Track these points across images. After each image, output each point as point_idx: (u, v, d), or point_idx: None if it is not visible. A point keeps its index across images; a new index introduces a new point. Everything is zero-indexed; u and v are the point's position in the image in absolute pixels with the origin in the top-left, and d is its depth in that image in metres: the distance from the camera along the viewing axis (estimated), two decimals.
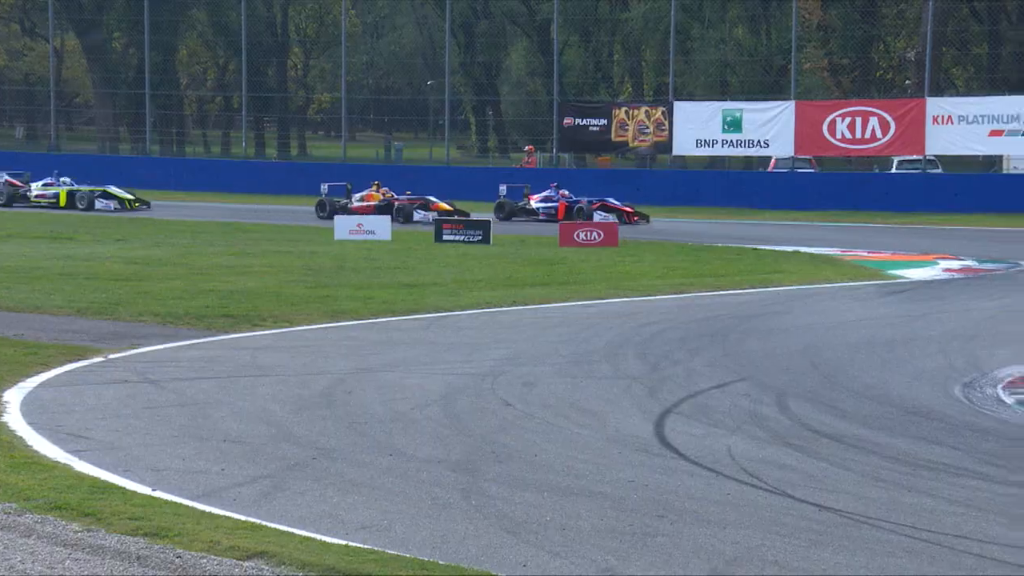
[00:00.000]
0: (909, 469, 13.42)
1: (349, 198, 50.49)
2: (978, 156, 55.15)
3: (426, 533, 11.27)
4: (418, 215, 45.88)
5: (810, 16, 62.46)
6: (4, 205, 54.48)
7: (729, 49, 64.64)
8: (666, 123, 56.25)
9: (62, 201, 53.64)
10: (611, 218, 41.42)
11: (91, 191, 53.55)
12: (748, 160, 58.01)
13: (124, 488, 12.38)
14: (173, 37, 73.27)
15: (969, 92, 57.47)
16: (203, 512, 11.70)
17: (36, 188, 55.17)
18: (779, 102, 54.93)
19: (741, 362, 19.74)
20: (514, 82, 75.94)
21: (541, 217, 47.20)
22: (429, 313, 25.05)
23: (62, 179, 54.98)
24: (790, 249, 37.65)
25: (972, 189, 49.46)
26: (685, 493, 12.59)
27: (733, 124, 55.07)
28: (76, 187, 54.25)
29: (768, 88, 58.34)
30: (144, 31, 64.81)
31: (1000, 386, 17.79)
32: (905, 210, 44.72)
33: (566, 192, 47.50)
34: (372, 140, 72.63)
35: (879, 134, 52.62)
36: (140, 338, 21.40)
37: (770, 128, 54.28)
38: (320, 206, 50.06)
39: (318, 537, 11.04)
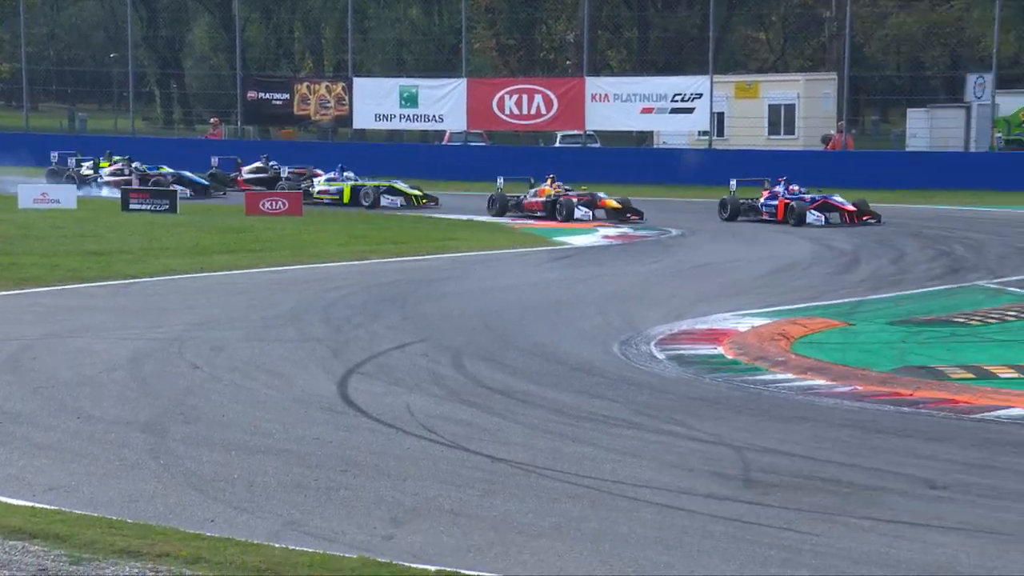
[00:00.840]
0: (573, 421, 13.78)
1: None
2: (632, 131, 56.57)
3: (114, 493, 11.12)
4: (579, 211, 36.70)
5: (476, 2, 63.16)
6: None
7: (404, 29, 64.96)
8: (346, 98, 56.25)
9: (345, 198, 42.86)
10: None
11: (376, 186, 42.85)
12: (424, 133, 58.32)
13: None
14: None
15: (623, 72, 58.87)
16: None
17: (319, 184, 44.01)
18: (452, 79, 55.45)
19: (419, 324, 19.92)
20: (198, 56, 74.90)
21: (764, 216, 36.56)
22: (117, 280, 24.56)
23: (345, 173, 44.12)
24: (464, 218, 38.06)
25: (626, 161, 50.73)
26: (367, 448, 12.68)
27: (410, 100, 55.43)
28: (360, 182, 43.51)
29: (442, 66, 58.83)
30: None
31: (652, 343, 18.36)
32: (567, 181, 45.72)
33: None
34: (55, 111, 70.33)
35: (543, 110, 53.66)
36: None
37: (444, 104, 54.75)
38: (491, 202, 40.48)
39: (3, 500, 10.78)
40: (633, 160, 50.27)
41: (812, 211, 35.01)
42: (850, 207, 35.33)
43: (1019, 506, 10.76)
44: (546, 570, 9.13)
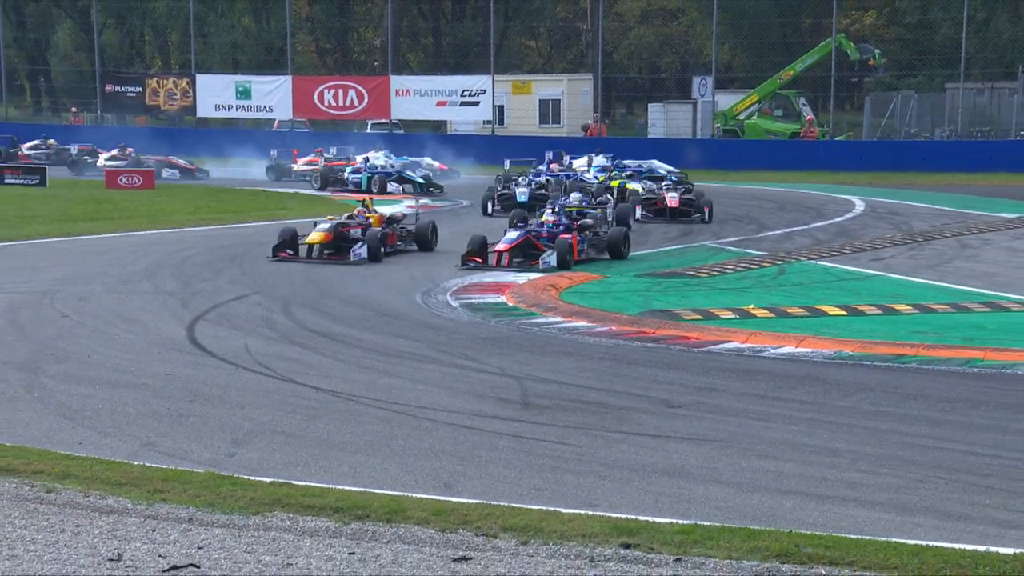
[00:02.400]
0: (383, 358, 13.73)
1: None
2: (430, 120, 56.39)
3: None
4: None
5: (300, 10, 62.49)
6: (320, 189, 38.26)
7: (239, 33, 63.93)
8: (191, 91, 55.66)
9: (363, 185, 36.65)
10: None
11: (387, 174, 37.07)
12: (257, 121, 57.34)
13: None
14: None
15: (421, 72, 58.76)
16: None
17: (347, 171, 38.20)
18: (279, 76, 54.83)
19: (255, 279, 19.63)
20: (62, 55, 73.00)
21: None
22: None
23: (375, 155, 38.80)
24: (291, 191, 37.53)
25: (424, 145, 50.46)
26: (212, 382, 12.48)
27: (244, 93, 54.94)
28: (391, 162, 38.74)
29: (271, 65, 57.81)
30: None
31: (448, 294, 18.36)
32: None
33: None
34: None
35: (356, 103, 53.53)
36: None
37: (273, 96, 54.33)
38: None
39: None
40: (430, 143, 50.04)
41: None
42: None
43: (736, 419, 11.03)
44: (361, 480, 9.10)
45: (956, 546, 7.66)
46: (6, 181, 37.68)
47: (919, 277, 20.03)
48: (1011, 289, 18.54)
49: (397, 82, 53.85)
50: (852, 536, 7.80)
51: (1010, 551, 7.50)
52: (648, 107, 55.01)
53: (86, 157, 44.33)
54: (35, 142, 48.13)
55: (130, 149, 43.54)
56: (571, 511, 8.29)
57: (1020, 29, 50.67)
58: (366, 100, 53.48)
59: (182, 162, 43.29)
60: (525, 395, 12.00)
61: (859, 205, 32.16)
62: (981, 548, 7.59)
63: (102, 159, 43.14)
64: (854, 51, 48.05)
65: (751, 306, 17.00)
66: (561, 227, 21.93)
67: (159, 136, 51.57)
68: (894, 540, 7.73)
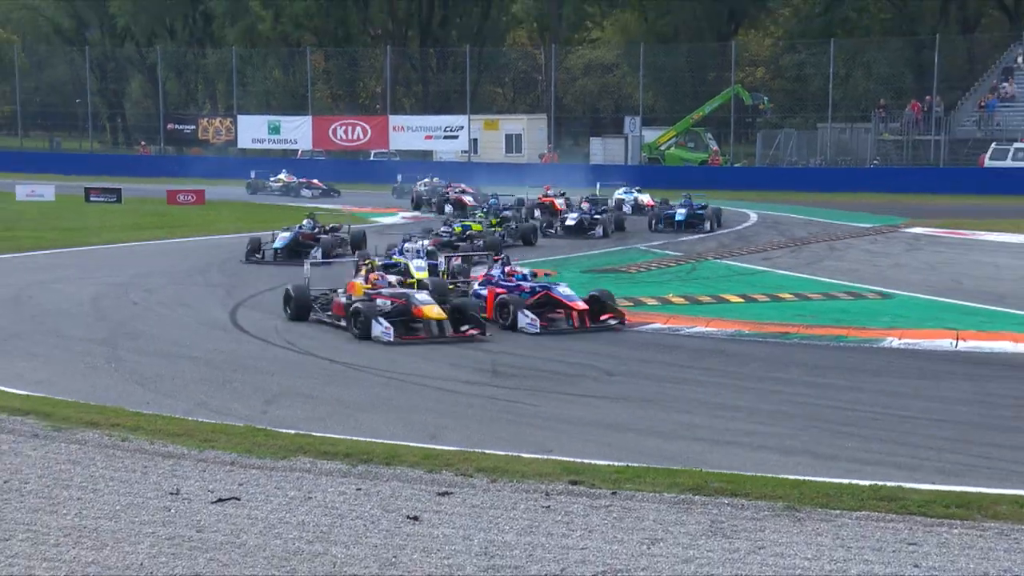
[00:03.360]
0: None
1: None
2: (419, 151, 56.07)
3: (81, 385, 10.68)
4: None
5: (318, 65, 62.36)
6: None
7: (271, 83, 63.56)
8: (233, 128, 55.51)
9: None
10: None
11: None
12: (284, 151, 56.87)
13: None
14: None
15: (413, 112, 58.42)
16: None
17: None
18: (302, 116, 54.62)
19: (285, 274, 19.33)
20: (133, 101, 72.64)
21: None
22: (82, 247, 23.48)
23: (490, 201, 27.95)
24: (312, 205, 36.98)
25: (415, 169, 49.89)
26: (248, 355, 12.39)
27: (274, 129, 54.85)
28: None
29: (296, 107, 57.32)
30: None
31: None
32: (378, 182, 45.20)
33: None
34: (40, 137, 67.57)
35: (362, 136, 53.45)
36: None
37: (297, 132, 54.22)
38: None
39: (8, 389, 10.32)
40: (419, 168, 49.76)
41: (524, 312, 14.09)
42: (580, 304, 14.35)
43: (659, 384, 11.03)
44: (366, 432, 9.05)
45: (826, 480, 7.69)
46: (91, 199, 37.12)
47: (799, 272, 20.10)
48: (869, 282, 18.63)
49: (394, 120, 54.05)
50: (748, 473, 7.82)
51: (867, 483, 7.54)
52: (591, 140, 54.92)
53: (261, 180, 42.86)
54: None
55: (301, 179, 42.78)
56: (530, 455, 8.27)
57: (871, 83, 51.24)
58: (369, 134, 53.56)
59: (321, 184, 42.41)
60: (494, 366, 11.96)
61: (753, 217, 32.24)
62: (845, 481, 7.63)
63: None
64: (748, 97, 48.28)
65: (671, 295, 17.01)
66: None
67: (207, 162, 51.34)
68: (780, 476, 7.76)
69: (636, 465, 7.98)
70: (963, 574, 6.02)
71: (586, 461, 8.09)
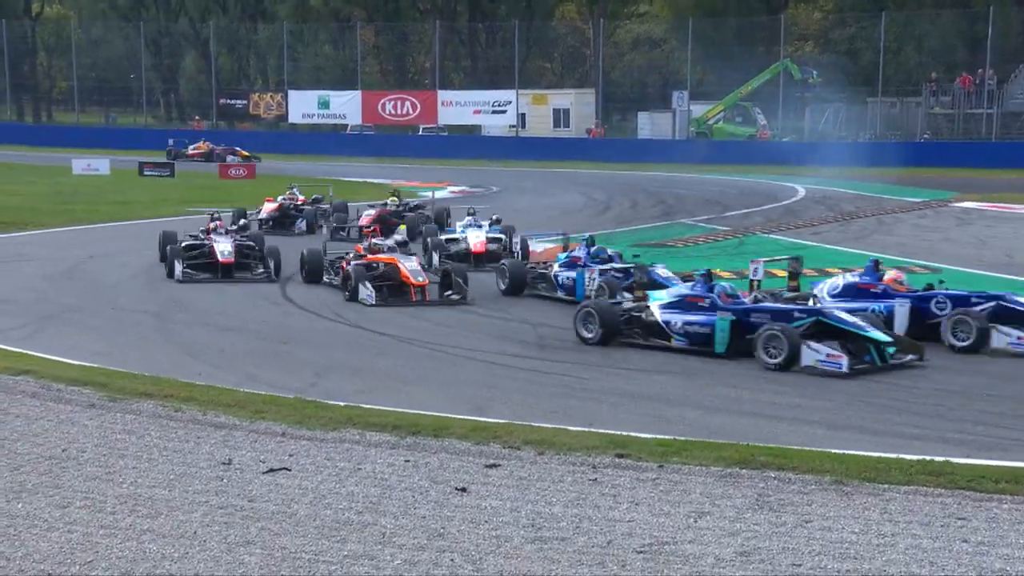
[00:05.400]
0: (431, 309, 13.62)
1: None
2: (467, 126, 55.95)
3: (135, 356, 10.81)
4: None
5: (368, 40, 62.24)
6: None
7: (321, 58, 63.74)
8: (284, 103, 55.80)
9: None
10: None
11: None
12: (335, 126, 57.03)
13: None
14: None
15: (461, 87, 58.19)
16: None
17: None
18: (352, 91, 54.67)
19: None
20: (187, 77, 73.11)
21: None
22: (136, 220, 23.78)
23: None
24: (360, 180, 37.17)
25: (463, 144, 49.92)
26: (298, 328, 12.48)
27: (324, 104, 55.01)
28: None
29: (345, 82, 57.30)
30: None
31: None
32: (429, 157, 45.24)
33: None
34: (96, 112, 68.33)
35: (411, 111, 53.43)
36: None
37: (347, 107, 54.33)
38: None
39: (66, 360, 10.47)
40: (468, 142, 49.57)
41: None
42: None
43: (703, 360, 10.89)
44: (414, 404, 9.07)
45: (873, 454, 7.60)
46: (146, 173, 37.59)
47: (847, 247, 19.83)
48: (918, 256, 18.33)
49: (443, 95, 53.82)
50: (794, 447, 7.74)
51: (915, 457, 7.43)
52: (638, 115, 54.49)
53: (178, 148, 45.49)
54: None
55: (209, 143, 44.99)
56: (577, 428, 8.25)
57: (923, 56, 50.22)
58: (419, 109, 53.49)
59: (244, 152, 44.07)
60: (540, 339, 11.94)
61: (801, 191, 31.85)
62: (892, 455, 7.53)
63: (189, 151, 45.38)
64: (798, 72, 47.58)
65: (718, 269, 16.84)
66: None
67: (259, 137, 51.69)
68: (826, 449, 7.67)
69: (682, 439, 7.93)
70: (1013, 549, 5.92)
71: (632, 434, 8.05)
